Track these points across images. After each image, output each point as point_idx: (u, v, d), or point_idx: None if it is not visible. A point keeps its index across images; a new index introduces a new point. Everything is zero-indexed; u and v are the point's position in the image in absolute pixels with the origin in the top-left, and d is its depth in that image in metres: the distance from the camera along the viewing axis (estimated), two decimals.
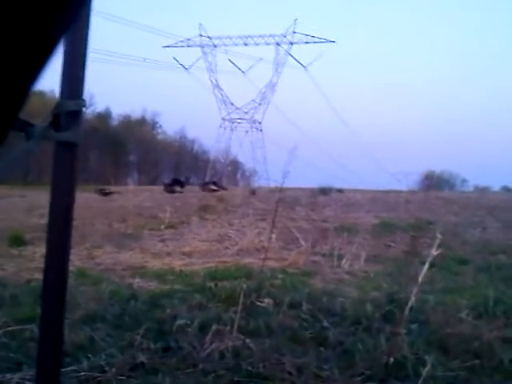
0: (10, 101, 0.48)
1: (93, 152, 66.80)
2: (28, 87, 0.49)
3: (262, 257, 4.63)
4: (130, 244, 10.62)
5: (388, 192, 27.81)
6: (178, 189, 27.43)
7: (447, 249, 7.56)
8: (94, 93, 65.11)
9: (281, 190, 4.50)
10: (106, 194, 23.39)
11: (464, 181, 76.05)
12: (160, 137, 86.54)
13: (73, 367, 3.54)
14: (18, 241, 10.28)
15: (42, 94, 51.51)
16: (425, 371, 3.46)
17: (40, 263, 6.05)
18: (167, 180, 33.82)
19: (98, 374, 3.52)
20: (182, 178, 30.80)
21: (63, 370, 2.71)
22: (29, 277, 6.74)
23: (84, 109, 2.35)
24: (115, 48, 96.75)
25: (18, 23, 0.44)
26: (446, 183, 66.04)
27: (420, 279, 4.13)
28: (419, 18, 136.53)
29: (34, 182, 50.37)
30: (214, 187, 29.25)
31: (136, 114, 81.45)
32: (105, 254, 9.44)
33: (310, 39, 63.73)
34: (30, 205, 18.38)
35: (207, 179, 57.89)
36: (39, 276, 5.48)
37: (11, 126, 0.50)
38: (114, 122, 78.26)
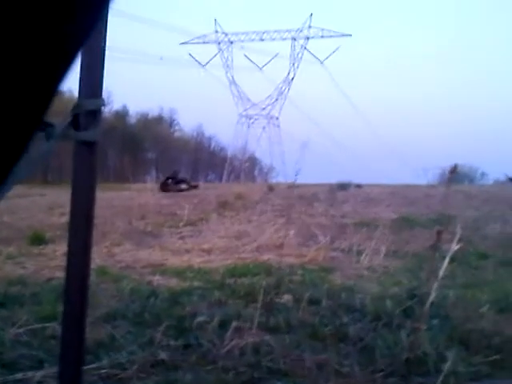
0: (37, 103, 0.49)
1: (111, 150, 67.16)
2: (54, 89, 0.50)
3: (280, 253, 4.66)
4: (149, 241, 10.66)
5: (407, 187, 27.64)
6: (172, 187, 25.51)
7: (467, 243, 7.50)
8: (112, 91, 65.29)
9: (295, 185, 4.48)
10: None
11: (484, 174, 75.15)
12: (177, 134, 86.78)
13: (94, 365, 3.56)
14: (38, 239, 10.35)
15: (59, 93, 51.88)
16: (446, 367, 3.44)
17: (61, 262, 6.11)
18: (162, 178, 30.29)
19: (119, 371, 3.55)
20: (172, 175, 27.84)
21: (85, 367, 2.73)
22: (49, 275, 6.79)
23: (102, 108, 2.37)
24: (131, 46, 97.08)
25: (44, 28, 0.44)
26: (465, 177, 65.43)
27: (440, 274, 4.11)
28: (435, 10, 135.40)
29: (54, 181, 50.76)
30: (184, 186, 26.76)
31: (153, 111, 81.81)
32: (125, 251, 9.48)
33: (325, 33, 63.62)
34: (51, 203, 18.50)
35: (224, 176, 57.78)
36: (60, 274, 5.54)
37: (37, 128, 0.51)
38: (132, 120, 78.58)
